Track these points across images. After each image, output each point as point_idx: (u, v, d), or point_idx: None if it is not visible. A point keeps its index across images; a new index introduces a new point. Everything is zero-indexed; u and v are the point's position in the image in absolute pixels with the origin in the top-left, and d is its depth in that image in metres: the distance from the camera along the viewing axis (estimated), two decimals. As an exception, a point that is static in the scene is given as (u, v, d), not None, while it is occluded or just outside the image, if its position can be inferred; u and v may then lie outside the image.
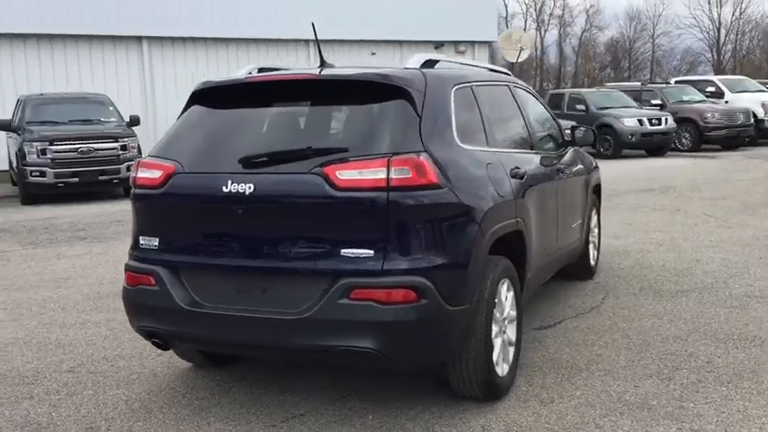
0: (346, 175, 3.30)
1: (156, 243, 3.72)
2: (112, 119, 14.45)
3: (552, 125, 5.69)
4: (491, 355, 3.76)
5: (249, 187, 3.42)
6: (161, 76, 20.46)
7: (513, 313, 4.16)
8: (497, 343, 3.91)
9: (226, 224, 3.54)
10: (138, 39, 19.96)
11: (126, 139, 13.50)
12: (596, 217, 6.59)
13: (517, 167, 4.26)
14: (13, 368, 4.69)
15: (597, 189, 6.58)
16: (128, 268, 3.82)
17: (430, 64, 4.14)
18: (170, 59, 20.71)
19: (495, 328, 3.86)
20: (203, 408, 3.99)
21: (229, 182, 3.46)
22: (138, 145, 13.87)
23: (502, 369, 3.95)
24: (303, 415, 3.86)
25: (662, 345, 4.75)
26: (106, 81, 19.50)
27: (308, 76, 3.77)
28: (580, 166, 5.88)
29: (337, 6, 22.79)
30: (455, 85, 3.96)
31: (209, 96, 3.91)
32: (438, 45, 25.34)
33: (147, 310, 3.73)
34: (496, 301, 3.86)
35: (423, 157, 3.36)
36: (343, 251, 3.32)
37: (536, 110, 5.44)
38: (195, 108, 3.93)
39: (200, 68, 20.78)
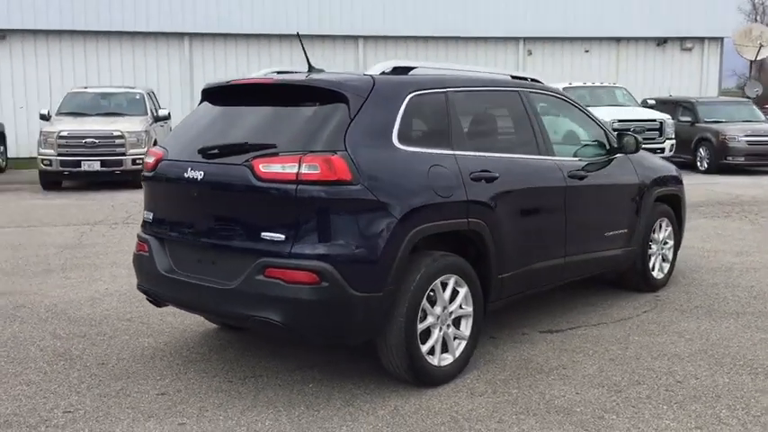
0: (267, 168, 3.80)
1: (151, 217, 4.48)
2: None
3: (589, 132, 5.66)
4: (415, 343, 4.04)
5: (200, 174, 4.05)
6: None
7: (468, 309, 4.37)
8: (435, 334, 4.18)
9: (188, 204, 4.20)
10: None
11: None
12: (669, 229, 6.36)
13: (486, 171, 4.45)
14: (90, 313, 5.73)
15: (671, 199, 6.35)
16: (137, 237, 4.63)
17: (402, 70, 4.46)
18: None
19: (430, 320, 4.14)
20: (192, 360, 4.70)
21: (189, 169, 4.11)
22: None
23: (439, 359, 4.21)
24: (261, 377, 4.42)
25: (650, 361, 4.67)
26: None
27: (265, 81, 4.30)
28: (629, 174, 5.77)
29: (543, 1, 22.47)
30: (413, 91, 4.26)
31: (207, 95, 4.59)
32: (660, 42, 24.16)
33: (142, 272, 4.51)
34: (431, 294, 4.13)
35: (336, 156, 3.76)
36: (263, 234, 3.83)
37: (566, 117, 5.47)
38: (201, 104, 4.63)
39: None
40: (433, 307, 4.19)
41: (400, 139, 4.10)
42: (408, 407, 3.98)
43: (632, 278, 6.14)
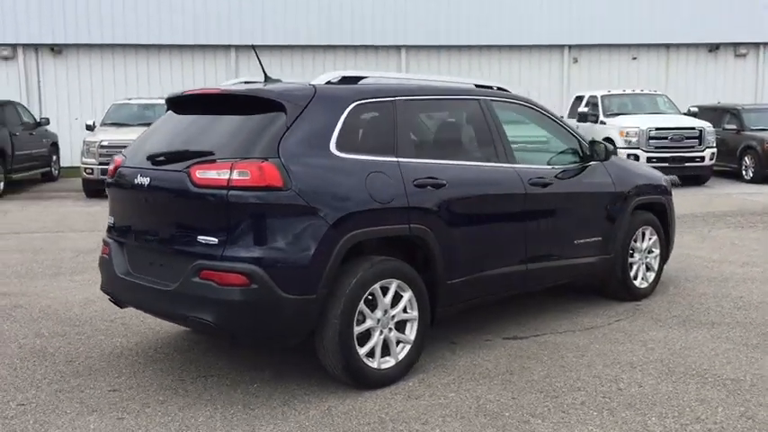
0: (203, 174, 3.98)
1: (112, 221, 4.71)
2: None
3: (559, 141, 5.67)
4: (351, 345, 4.15)
5: (147, 180, 4.25)
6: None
7: (413, 314, 4.46)
8: (375, 337, 4.28)
9: (139, 209, 4.41)
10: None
11: None
12: (654, 238, 6.30)
13: (432, 177, 4.53)
14: (79, 314, 6.03)
15: (656, 208, 6.29)
16: (102, 241, 4.86)
17: (350, 80, 4.59)
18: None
19: (369, 323, 4.25)
20: (154, 360, 4.91)
21: (138, 175, 4.32)
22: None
23: (379, 362, 4.30)
24: (212, 376, 4.59)
25: (600, 368, 4.66)
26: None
27: (212, 92, 4.48)
28: (603, 182, 5.75)
29: (588, 7, 22.24)
30: (356, 100, 4.38)
31: (170, 104, 4.80)
32: (712, 48, 23.58)
33: (104, 274, 4.74)
34: (370, 297, 4.23)
35: (267, 163, 3.91)
36: (199, 237, 4.01)
37: (535, 126, 5.51)
38: (166, 113, 4.85)
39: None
40: (373, 311, 4.28)
41: (339, 147, 4.21)
42: (342, 407, 4.08)
43: (612, 286, 6.10)
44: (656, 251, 6.37)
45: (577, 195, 5.58)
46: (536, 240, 5.21)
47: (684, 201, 13.01)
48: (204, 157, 4.08)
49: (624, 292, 6.11)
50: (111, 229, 4.75)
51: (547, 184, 5.29)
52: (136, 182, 4.34)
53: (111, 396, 4.30)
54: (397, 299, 4.41)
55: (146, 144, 4.61)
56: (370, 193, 4.21)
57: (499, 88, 5.48)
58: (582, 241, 5.61)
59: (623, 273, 6.03)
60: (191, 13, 20.92)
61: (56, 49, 21.05)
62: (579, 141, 5.74)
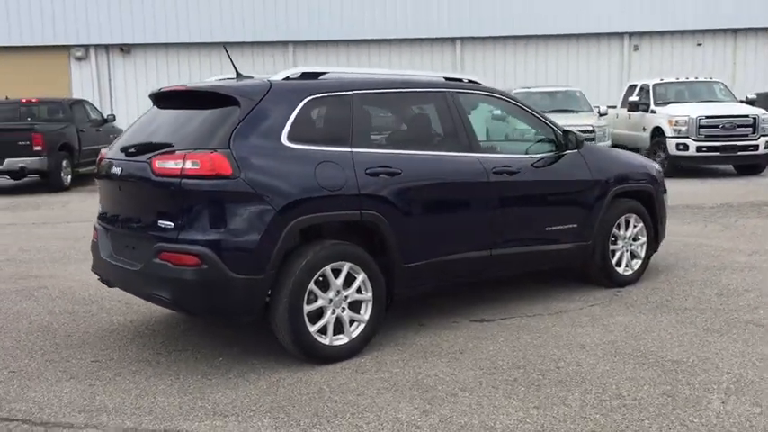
0: (160, 164, 4.38)
1: (100, 208, 5.18)
2: None
3: (533, 131, 5.85)
4: (301, 322, 4.48)
5: (119, 170, 4.70)
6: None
7: (367, 295, 4.76)
8: (327, 316, 4.61)
9: (116, 197, 4.86)
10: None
11: None
12: (639, 225, 6.38)
13: (385, 167, 4.81)
14: (93, 294, 6.55)
15: (641, 196, 6.38)
16: (93, 226, 5.34)
17: (311, 75, 4.91)
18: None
19: (320, 302, 4.57)
20: (140, 335, 5.37)
21: (114, 166, 4.76)
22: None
23: (331, 339, 4.63)
24: (186, 350, 5.02)
25: (549, 349, 4.86)
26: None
27: (180, 89, 4.87)
28: (578, 170, 5.89)
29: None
30: (311, 95, 4.70)
31: (153, 99, 5.22)
32: (784, 31, 22.79)
33: (93, 257, 5.23)
34: (321, 279, 4.56)
35: (216, 153, 4.28)
36: (159, 222, 4.42)
37: (509, 117, 5.70)
38: (151, 108, 5.28)
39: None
40: (325, 291, 4.60)
41: (291, 139, 4.55)
42: (290, 379, 4.43)
43: (593, 272, 6.23)
44: (643, 239, 6.45)
45: (548, 183, 5.74)
46: (501, 227, 5.41)
47: (726, 190, 12.80)
48: (165, 148, 4.47)
49: (605, 278, 6.23)
50: (99, 215, 5.22)
51: (513, 172, 5.47)
52: (112, 172, 4.79)
53: (91, 366, 4.76)
54: (350, 280, 4.70)
55: (125, 137, 5.05)
56: (318, 182, 4.52)
57: (470, 81, 5.68)
58: (555, 228, 5.77)
59: (603, 259, 6.14)
60: (249, 12, 21.62)
61: (125, 49, 22.12)
62: (555, 131, 5.89)
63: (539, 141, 5.89)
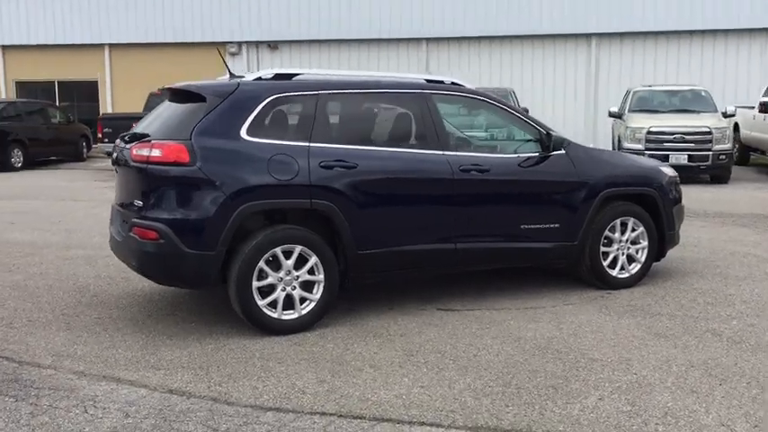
0: (136, 152, 5.14)
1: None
2: None
3: (515, 132, 6.06)
4: (249, 296, 5.06)
5: (117, 156, 5.49)
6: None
7: (319, 277, 5.27)
8: (277, 292, 5.17)
9: (117, 179, 5.66)
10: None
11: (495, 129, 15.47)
12: (640, 229, 6.38)
13: (341, 161, 5.28)
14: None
15: (644, 200, 6.40)
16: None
17: (284, 76, 5.48)
18: (617, 54, 21.62)
19: (270, 280, 5.14)
20: (150, 300, 6.18)
21: (118, 152, 5.57)
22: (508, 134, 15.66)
23: (280, 314, 5.18)
24: (176, 315, 5.77)
25: (486, 339, 5.11)
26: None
27: (171, 87, 5.56)
28: (563, 171, 6.02)
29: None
30: (274, 94, 5.26)
31: (167, 94, 5.96)
32: None
33: (110, 234, 6.06)
34: (271, 259, 5.13)
35: (177, 143, 4.96)
36: (135, 201, 5.18)
37: (492, 118, 5.97)
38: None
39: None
40: (276, 270, 5.15)
41: (250, 133, 5.13)
42: (234, 345, 5.03)
43: (582, 273, 6.32)
44: (643, 243, 6.43)
45: (524, 183, 5.91)
46: (467, 222, 5.69)
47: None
48: (144, 138, 5.21)
49: (596, 279, 6.30)
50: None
51: (484, 170, 5.72)
52: (115, 157, 5.59)
53: (90, 321, 5.61)
54: (303, 262, 5.22)
55: (136, 127, 5.85)
56: (269, 172, 5.08)
57: (453, 83, 5.98)
58: (532, 226, 5.94)
59: (592, 260, 6.22)
60: (387, 10, 22.44)
61: (272, 45, 23.65)
62: (540, 132, 6.05)
63: (521, 142, 6.08)
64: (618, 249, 6.35)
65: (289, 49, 23.76)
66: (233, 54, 23.95)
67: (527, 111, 17.58)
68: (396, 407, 4.02)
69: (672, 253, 7.59)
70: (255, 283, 5.10)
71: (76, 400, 4.15)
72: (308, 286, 5.28)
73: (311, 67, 22.32)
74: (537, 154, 6.02)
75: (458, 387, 4.28)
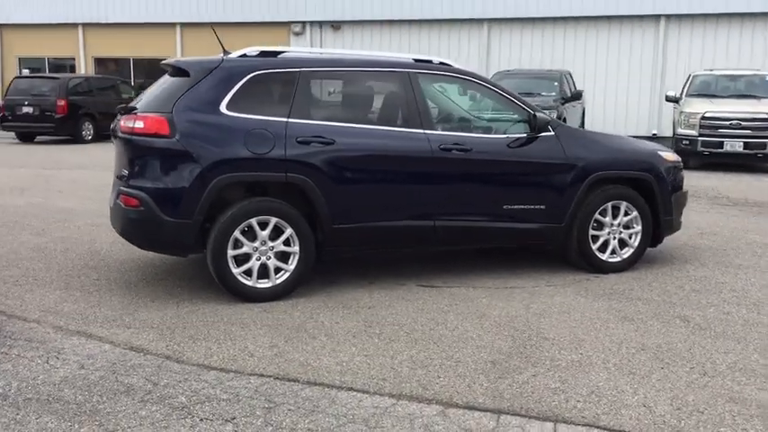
0: (123, 123, 5.43)
1: (119, 161, 6.37)
2: (552, 93, 16.37)
3: (503, 113, 6.09)
4: (224, 264, 5.31)
5: (114, 126, 5.80)
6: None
7: (294, 248, 5.47)
8: (251, 262, 5.40)
9: (115, 149, 5.98)
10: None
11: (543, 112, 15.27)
12: (633, 214, 6.31)
13: (318, 136, 5.45)
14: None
15: (639, 185, 6.35)
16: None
17: (268, 54, 5.67)
18: (687, 37, 21.01)
19: (245, 249, 5.37)
20: (149, 265, 6.52)
21: (115, 122, 5.87)
22: (557, 117, 15.42)
23: (255, 282, 5.42)
24: (167, 280, 6.08)
25: (450, 315, 5.21)
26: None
27: (166, 62, 5.80)
28: (550, 152, 6.01)
29: None
30: (256, 71, 5.46)
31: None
32: None
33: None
34: (246, 229, 5.35)
35: (158, 115, 5.23)
36: (123, 170, 5.49)
37: (481, 98, 6.03)
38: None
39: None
40: (252, 240, 5.38)
41: (230, 107, 5.35)
42: (205, 309, 5.29)
43: (570, 255, 6.32)
44: (636, 228, 6.37)
45: (507, 163, 5.94)
46: (446, 200, 5.77)
47: None
48: (133, 111, 5.50)
49: (585, 262, 6.29)
50: None
51: (466, 150, 5.79)
52: (112, 128, 5.91)
53: (88, 282, 5.98)
54: (279, 233, 5.42)
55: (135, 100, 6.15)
56: (246, 145, 5.29)
57: (442, 63, 6.05)
58: (516, 207, 5.97)
59: (580, 243, 6.21)
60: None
61: (335, 26, 23.92)
62: (529, 113, 6.06)
63: (508, 122, 6.10)
64: (609, 233, 6.32)
65: (351, 29, 23.96)
66: (297, 34, 24.35)
67: (581, 93, 17.47)
68: (332, 372, 4.18)
69: (684, 240, 7.53)
70: (231, 252, 5.32)
71: (44, 351, 4.48)
72: (283, 257, 5.48)
73: (372, 48, 22.51)
74: (524, 135, 6.03)
75: (400, 358, 4.41)
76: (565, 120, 15.81)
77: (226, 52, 5.93)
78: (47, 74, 24.31)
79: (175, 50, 25.97)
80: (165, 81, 5.70)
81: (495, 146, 5.98)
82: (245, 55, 5.67)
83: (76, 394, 3.86)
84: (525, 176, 6.03)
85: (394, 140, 5.67)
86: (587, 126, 20.10)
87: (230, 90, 5.38)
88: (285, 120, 5.44)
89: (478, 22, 22.69)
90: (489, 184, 5.94)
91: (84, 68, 27.06)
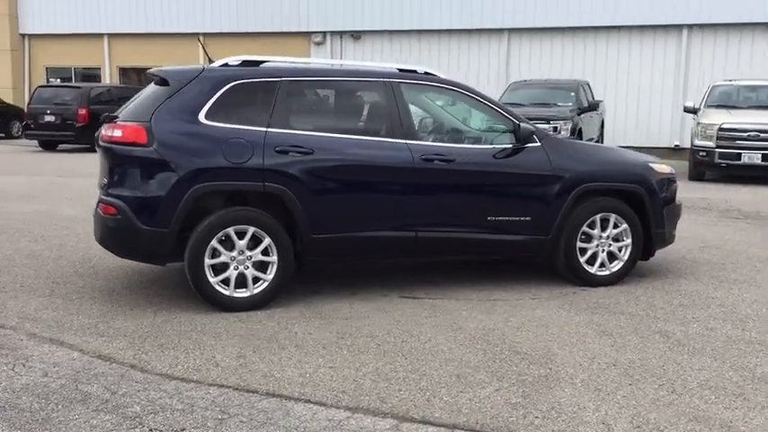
0: (104, 132, 5.47)
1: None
2: (568, 103, 16.27)
3: (488, 123, 6.03)
4: (201, 273, 5.31)
5: (97, 135, 5.84)
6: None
7: (273, 258, 5.46)
8: (229, 271, 5.39)
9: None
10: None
11: (558, 122, 15.17)
12: (623, 226, 6.19)
13: (297, 146, 5.44)
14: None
15: (629, 197, 6.24)
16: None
17: (251, 63, 5.68)
18: (710, 47, 20.78)
19: (223, 258, 5.37)
20: (139, 272, 6.55)
21: (98, 131, 5.91)
22: (573, 127, 15.33)
23: (232, 291, 5.41)
24: (148, 288, 6.10)
25: (426, 327, 5.15)
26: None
27: (150, 71, 5.82)
28: (536, 164, 5.94)
29: None
30: (235, 80, 5.47)
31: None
32: None
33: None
34: (224, 238, 5.35)
35: (136, 125, 5.26)
36: (103, 178, 5.52)
37: (465, 108, 5.99)
38: None
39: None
40: (229, 249, 5.37)
41: (208, 117, 5.36)
42: (181, 318, 5.28)
43: (559, 268, 6.23)
44: (626, 241, 6.26)
45: (491, 174, 5.87)
46: (428, 211, 5.72)
47: None
48: (114, 119, 5.53)
49: (572, 275, 6.19)
50: None
51: (448, 160, 5.73)
52: (96, 137, 5.95)
53: (72, 290, 6.02)
54: (258, 243, 5.41)
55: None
56: (224, 155, 5.29)
57: (427, 72, 6.01)
58: (501, 218, 5.90)
59: (568, 256, 6.12)
60: (468, 3, 22.36)
61: (355, 35, 24.01)
62: (514, 124, 5.99)
63: (494, 133, 6.03)
64: (597, 246, 6.21)
65: (371, 39, 24.01)
66: (318, 44, 24.46)
67: (598, 103, 17.29)
68: (293, 384, 4.15)
69: (684, 253, 7.42)
70: (208, 261, 5.32)
71: (13, 358, 4.50)
72: (262, 266, 5.46)
73: (392, 58, 22.54)
74: (509, 145, 5.96)
75: (365, 370, 4.36)
76: (580, 130, 15.70)
77: (211, 62, 5.96)
78: (70, 83, 24.67)
79: (198, 60, 26.19)
80: (149, 90, 5.73)
81: (479, 156, 5.92)
82: (227, 64, 5.68)
83: (33, 402, 3.87)
84: (509, 187, 5.96)
85: (374, 150, 5.64)
86: (607, 137, 19.96)
87: (209, 99, 5.39)
88: (264, 129, 5.43)
89: (499, 32, 22.60)
90: (473, 195, 5.88)
91: (110, 78, 27.42)
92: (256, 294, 5.45)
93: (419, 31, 23.26)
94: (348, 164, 5.57)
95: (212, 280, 5.36)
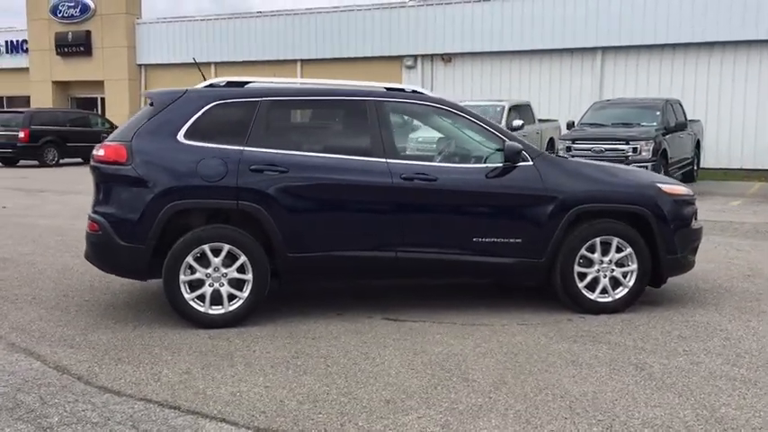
0: (95, 151, 5.70)
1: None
2: (653, 123, 15.69)
3: (478, 142, 5.84)
4: (177, 288, 5.40)
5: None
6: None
7: (248, 276, 5.50)
8: (204, 288, 5.46)
9: None
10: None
11: (638, 143, 14.62)
12: (627, 251, 5.80)
13: (272, 165, 5.47)
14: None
15: (636, 219, 5.89)
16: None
17: (236, 84, 5.78)
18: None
19: (198, 275, 5.46)
20: (134, 289, 6.76)
21: (95, 152, 6.17)
22: (655, 148, 14.66)
23: (207, 308, 5.48)
24: (141, 303, 6.28)
25: (388, 350, 5.02)
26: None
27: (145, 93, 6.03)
28: (527, 183, 5.70)
29: None
30: (215, 101, 5.57)
31: None
32: None
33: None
34: (199, 255, 5.44)
35: (117, 144, 5.46)
36: (93, 196, 5.75)
37: (453, 128, 5.86)
38: None
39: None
40: (205, 266, 5.45)
41: (188, 136, 5.48)
42: (155, 334, 5.38)
43: (557, 293, 5.92)
44: (632, 266, 5.87)
45: (477, 194, 5.66)
46: (408, 231, 5.58)
47: None
48: (106, 139, 5.75)
49: (571, 301, 5.87)
50: None
51: (430, 179, 5.59)
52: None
53: (67, 303, 6.24)
54: (233, 260, 5.46)
55: None
56: (199, 173, 5.38)
57: (414, 91, 5.90)
58: (488, 240, 5.68)
59: (564, 281, 5.81)
60: (560, 21, 21.90)
61: (446, 58, 23.99)
62: (503, 142, 5.77)
63: (483, 152, 5.83)
64: (599, 271, 5.85)
65: (461, 61, 23.92)
66: (409, 67, 24.61)
67: (686, 124, 16.43)
68: (218, 402, 4.13)
69: (723, 281, 7.03)
70: (183, 277, 5.40)
71: (-24, 366, 4.71)
72: (238, 284, 5.49)
73: (483, 79, 22.37)
74: (499, 165, 5.75)
75: (298, 391, 4.29)
76: (665, 151, 14.97)
77: (205, 79, 6.09)
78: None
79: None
80: (141, 111, 5.92)
81: (465, 175, 5.73)
82: (212, 85, 5.78)
83: (-35, 408, 4.02)
84: (496, 208, 5.73)
85: (350, 170, 5.57)
86: (709, 158, 19.01)
87: (189, 119, 5.50)
88: (241, 148, 5.49)
89: (592, 50, 21.99)
90: (457, 216, 5.69)
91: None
92: (231, 311, 5.48)
93: (511, 53, 22.98)
94: (323, 183, 5.53)
95: (188, 296, 5.43)
